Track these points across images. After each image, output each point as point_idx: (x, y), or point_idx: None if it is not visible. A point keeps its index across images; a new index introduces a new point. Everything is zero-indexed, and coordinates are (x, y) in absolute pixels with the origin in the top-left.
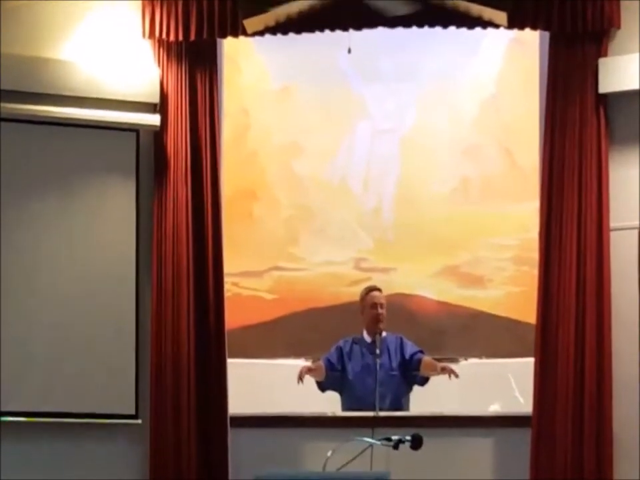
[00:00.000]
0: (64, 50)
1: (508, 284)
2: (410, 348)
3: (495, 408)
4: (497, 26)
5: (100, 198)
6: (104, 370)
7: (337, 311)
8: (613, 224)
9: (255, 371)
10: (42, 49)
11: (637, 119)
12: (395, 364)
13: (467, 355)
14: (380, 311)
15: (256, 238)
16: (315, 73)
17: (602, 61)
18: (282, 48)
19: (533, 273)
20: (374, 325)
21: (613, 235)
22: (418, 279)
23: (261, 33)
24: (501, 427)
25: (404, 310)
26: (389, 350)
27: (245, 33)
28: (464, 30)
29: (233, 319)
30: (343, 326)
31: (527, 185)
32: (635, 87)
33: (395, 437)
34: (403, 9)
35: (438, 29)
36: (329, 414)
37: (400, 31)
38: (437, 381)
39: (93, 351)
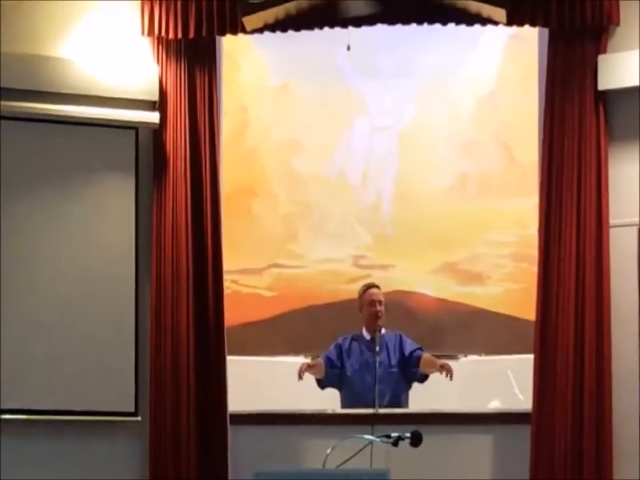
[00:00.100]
0: (63, 48)
1: (507, 281)
2: (409, 345)
3: (494, 405)
4: (495, 23)
5: (99, 196)
6: (103, 367)
7: (336, 308)
8: (612, 221)
9: (254, 368)
10: (41, 46)
11: (636, 115)
12: (394, 361)
13: (466, 352)
14: (378, 308)
15: (255, 235)
16: (314, 69)
17: (601, 58)
18: (281, 45)
19: (532, 269)
20: (373, 322)
21: (612, 231)
22: (417, 276)
23: (260, 31)
24: (500, 424)
25: (403, 307)
26: (387, 347)
27: (244, 31)
28: (463, 26)
29: (232, 316)
30: (342, 323)
31: (525, 182)
32: (634, 83)
33: (394, 434)
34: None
35: (436, 26)
36: (329, 411)
37: (398, 27)
38: (437, 378)
39: (93, 349)
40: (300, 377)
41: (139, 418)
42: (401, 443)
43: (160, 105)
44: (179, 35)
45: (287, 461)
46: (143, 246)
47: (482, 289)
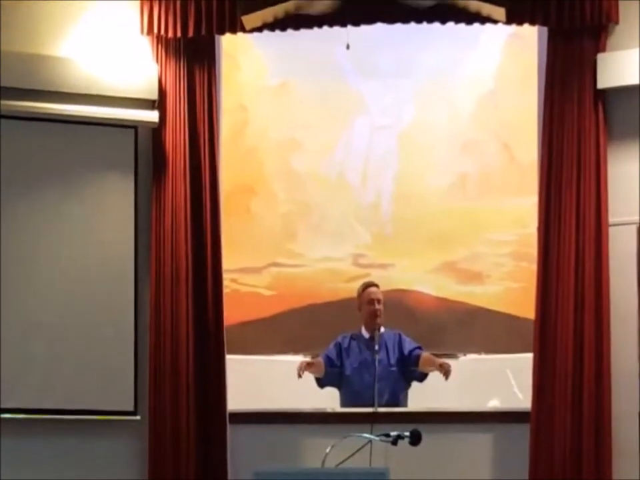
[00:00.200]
0: (63, 47)
1: (507, 279)
2: (408, 344)
3: (493, 403)
4: (495, 21)
5: (98, 194)
6: (103, 367)
7: (336, 307)
8: (611, 219)
9: (253, 367)
10: (41, 46)
11: (635, 114)
12: (392, 360)
13: (465, 351)
14: (377, 306)
15: (254, 234)
16: (313, 68)
17: (600, 57)
18: (280, 44)
19: (531, 268)
20: (372, 320)
21: (611, 230)
22: (416, 275)
23: (259, 29)
24: (499, 423)
25: (402, 306)
26: (386, 346)
27: (243, 30)
28: (462, 25)
29: (231, 315)
30: (342, 322)
31: (525, 180)
32: (633, 82)
33: (393, 433)
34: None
35: (436, 25)
36: (328, 410)
37: (398, 26)
38: (436, 377)
39: (92, 348)
40: (299, 375)
41: (138, 417)
42: (400, 441)
43: (159, 103)
44: (178, 34)
45: (286, 459)
46: (142, 245)
47: (481, 287)
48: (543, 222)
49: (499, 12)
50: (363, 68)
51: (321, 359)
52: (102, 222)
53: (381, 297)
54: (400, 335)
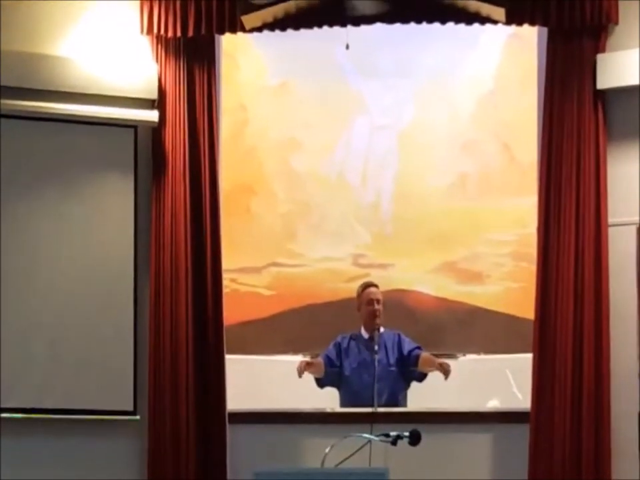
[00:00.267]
0: (63, 46)
1: (506, 280)
2: (408, 344)
3: (493, 404)
4: (495, 22)
5: (98, 194)
6: (102, 366)
7: (336, 307)
8: (611, 220)
9: (253, 367)
10: (41, 45)
11: (635, 114)
12: (392, 360)
13: (465, 351)
14: (376, 306)
15: (254, 233)
16: (313, 68)
17: (600, 57)
18: (280, 44)
19: (531, 268)
20: (371, 321)
21: (611, 230)
22: (416, 275)
23: (259, 29)
24: (499, 423)
25: (402, 306)
26: (386, 346)
27: (243, 29)
28: (462, 26)
29: (231, 315)
30: (342, 322)
31: (525, 181)
32: (633, 82)
33: (393, 433)
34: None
35: (436, 25)
36: (328, 410)
37: (398, 26)
38: (436, 377)
39: (91, 348)
40: (300, 375)
41: (138, 417)
42: (399, 441)
43: (159, 103)
44: (178, 34)
45: (286, 459)
46: (142, 244)
47: (481, 287)
48: (542, 222)
49: (499, 12)
50: (363, 68)
51: (320, 359)
52: (102, 222)
53: (380, 297)
54: (399, 335)
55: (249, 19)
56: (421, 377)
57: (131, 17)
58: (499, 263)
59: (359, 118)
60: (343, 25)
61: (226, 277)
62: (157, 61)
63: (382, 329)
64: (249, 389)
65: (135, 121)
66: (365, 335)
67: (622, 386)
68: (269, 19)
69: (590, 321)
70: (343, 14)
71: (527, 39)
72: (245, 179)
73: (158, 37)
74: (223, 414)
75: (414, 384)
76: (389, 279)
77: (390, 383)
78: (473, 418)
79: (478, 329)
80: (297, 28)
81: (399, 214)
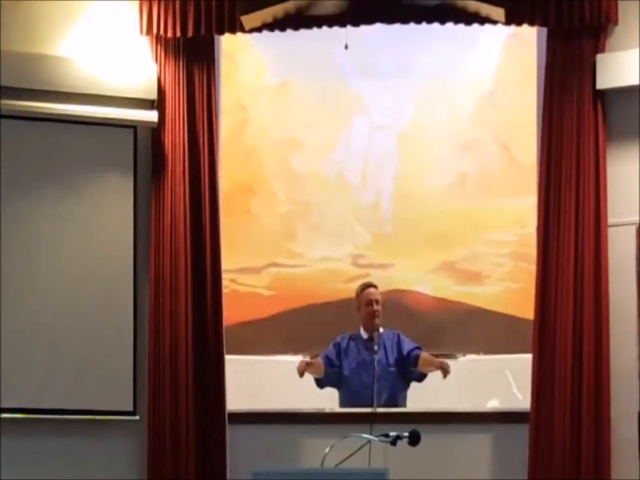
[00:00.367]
0: (62, 47)
1: (506, 280)
2: (407, 345)
3: (493, 404)
4: (494, 22)
5: (98, 194)
6: (102, 366)
7: (335, 307)
8: (610, 220)
9: (253, 367)
10: (40, 45)
11: (634, 114)
12: (391, 360)
13: (464, 351)
14: (375, 307)
15: (253, 234)
16: (313, 68)
17: (599, 57)
18: (279, 43)
19: (530, 268)
20: (370, 321)
21: (610, 230)
22: (416, 275)
23: (258, 29)
24: (499, 423)
25: (402, 306)
26: (385, 346)
27: (242, 30)
28: (461, 26)
29: (231, 315)
30: (341, 322)
31: (524, 181)
32: (632, 82)
33: (392, 433)
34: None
35: (435, 25)
36: (327, 410)
37: (397, 26)
38: (435, 377)
39: (91, 348)
40: (301, 375)
41: (138, 417)
42: (399, 442)
43: (158, 103)
44: (178, 34)
45: (285, 459)
46: (142, 244)
47: (481, 288)
48: (542, 222)
49: (498, 12)
50: (363, 68)
51: (320, 360)
52: (101, 222)
53: (379, 297)
54: (399, 335)
55: (248, 19)
56: (421, 377)
57: (130, 17)
58: (498, 263)
59: (358, 118)
60: (343, 25)
61: (226, 277)
62: (157, 61)
63: (381, 329)
64: (248, 389)
65: (135, 121)
66: (364, 335)
67: (622, 386)
68: (269, 19)
69: (590, 320)
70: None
71: (527, 39)
72: (245, 179)
73: (157, 37)
74: (223, 414)
75: (413, 384)
76: (389, 279)
77: (389, 383)
78: (473, 418)
79: (477, 329)
80: (296, 28)
81: (399, 214)
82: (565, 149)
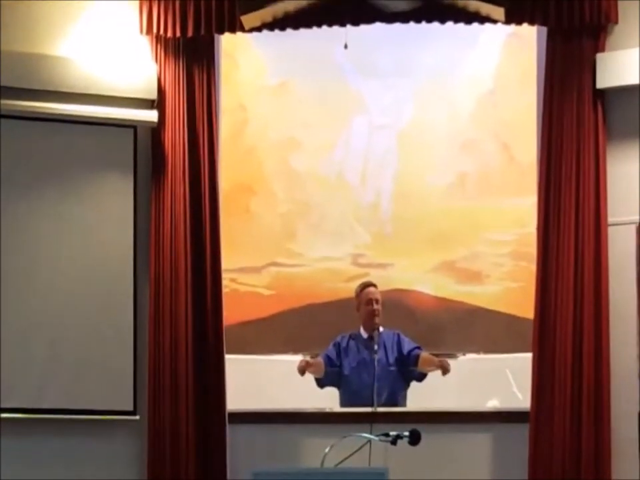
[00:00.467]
0: (62, 46)
1: (506, 279)
2: (407, 344)
3: (493, 403)
4: (494, 21)
5: (98, 194)
6: (102, 366)
7: (335, 307)
8: (610, 219)
9: (253, 367)
10: (40, 45)
11: (634, 114)
12: (391, 359)
13: (465, 351)
14: (375, 306)
15: (253, 233)
16: (313, 68)
17: (599, 56)
18: (279, 43)
19: (530, 268)
20: (370, 320)
21: (610, 230)
22: (416, 275)
23: (258, 29)
24: (499, 423)
25: (402, 306)
26: (385, 345)
27: (242, 29)
28: (461, 25)
29: (230, 315)
30: (341, 322)
31: (524, 180)
32: (632, 82)
33: (393, 433)
34: (402, 6)
35: (435, 24)
36: (327, 410)
37: (397, 26)
38: (435, 377)
39: (91, 347)
40: (302, 374)
41: (138, 417)
42: (399, 441)
43: (158, 103)
44: (178, 34)
45: (286, 459)
46: (142, 244)
47: (481, 287)
48: (542, 222)
49: (498, 12)
50: (363, 67)
51: (320, 359)
52: (101, 221)
53: (379, 296)
54: (399, 335)
55: (248, 19)
56: (421, 377)
57: (130, 16)
58: (498, 262)
59: (358, 117)
60: (342, 24)
61: (225, 277)
62: (157, 61)
63: (381, 329)
64: (248, 389)
65: (135, 121)
66: (364, 334)
67: (622, 386)
68: (269, 19)
69: (590, 320)
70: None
71: (527, 39)
72: (245, 179)
73: (157, 37)
74: (223, 414)
75: (413, 383)
76: (389, 279)
77: (389, 382)
78: (473, 418)
79: (478, 329)
80: (296, 28)
81: (399, 213)
82: (565, 148)
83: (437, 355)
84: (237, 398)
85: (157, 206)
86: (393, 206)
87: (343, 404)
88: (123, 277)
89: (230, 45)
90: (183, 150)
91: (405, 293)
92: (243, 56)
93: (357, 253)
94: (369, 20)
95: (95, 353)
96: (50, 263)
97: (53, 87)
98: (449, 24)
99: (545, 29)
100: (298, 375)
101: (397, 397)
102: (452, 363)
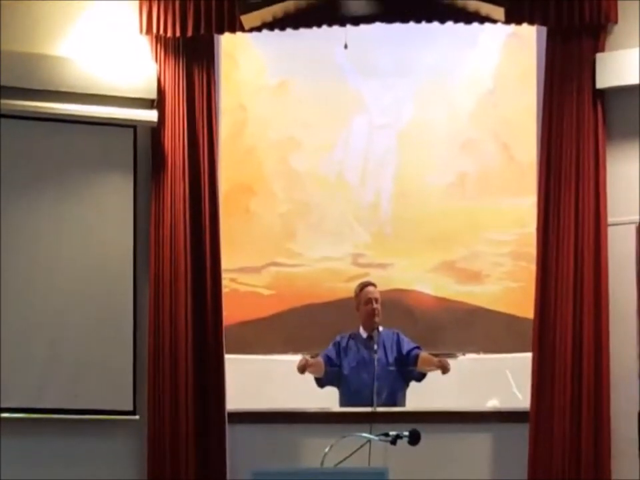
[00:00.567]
0: (62, 46)
1: (506, 279)
2: (407, 344)
3: (492, 403)
4: (494, 21)
5: (98, 194)
6: (102, 366)
7: (335, 307)
8: (610, 219)
9: (252, 366)
10: (40, 45)
11: (634, 113)
12: (391, 359)
13: (464, 351)
14: (375, 306)
15: (253, 233)
16: (312, 67)
17: (599, 56)
18: (279, 43)
19: (530, 268)
20: (370, 320)
21: (610, 229)
22: (415, 274)
23: (258, 29)
24: (498, 423)
25: (402, 305)
26: (384, 345)
27: (242, 29)
28: (461, 25)
29: (230, 314)
30: (341, 321)
31: (524, 180)
32: (632, 81)
33: (392, 433)
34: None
35: (435, 24)
36: (327, 410)
37: (397, 26)
38: (435, 377)
39: (91, 347)
40: (302, 372)
41: (137, 417)
42: (399, 441)
43: (158, 103)
44: (177, 33)
45: (285, 459)
46: (141, 244)
47: (481, 287)
48: (542, 222)
49: (498, 11)
50: (362, 67)
51: (320, 359)
52: (101, 221)
53: (378, 296)
54: (398, 335)
55: (248, 19)
56: (420, 377)
57: (130, 16)
58: (498, 262)
59: (358, 117)
60: (342, 24)
61: (225, 277)
62: (156, 61)
63: (381, 328)
64: (248, 389)
65: (134, 120)
66: (364, 334)
67: (622, 386)
68: (268, 19)
69: (589, 320)
70: (340, 13)
71: (526, 38)
72: (244, 179)
73: (157, 37)
74: (223, 414)
75: (413, 383)
76: (388, 279)
77: (389, 382)
78: (473, 417)
79: (477, 329)
80: (296, 28)
81: (398, 213)
82: (565, 148)
83: (436, 355)
84: (237, 398)
85: (156, 206)
86: (393, 206)
87: (342, 404)
88: (123, 277)
89: (230, 45)
90: (182, 150)
91: (404, 293)
92: (243, 56)
93: (356, 252)
94: (369, 20)
95: (95, 353)
96: (50, 262)
97: (53, 87)
98: (449, 24)
99: (544, 29)
100: (298, 375)
101: (396, 396)
102: (452, 362)
